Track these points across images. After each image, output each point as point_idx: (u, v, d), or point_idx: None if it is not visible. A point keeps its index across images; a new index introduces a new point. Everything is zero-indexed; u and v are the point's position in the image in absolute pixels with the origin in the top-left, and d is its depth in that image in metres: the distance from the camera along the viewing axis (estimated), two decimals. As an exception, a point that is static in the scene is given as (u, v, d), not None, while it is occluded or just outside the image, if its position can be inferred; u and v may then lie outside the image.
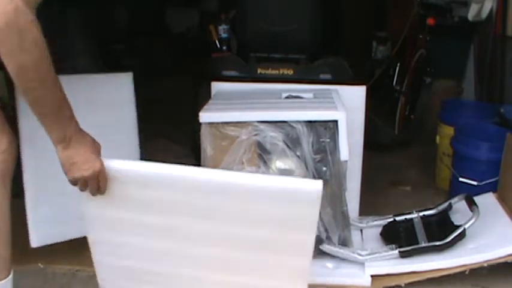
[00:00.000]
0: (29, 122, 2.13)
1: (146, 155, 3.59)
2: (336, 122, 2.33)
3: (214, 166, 2.34)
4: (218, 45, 3.35)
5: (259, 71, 2.79)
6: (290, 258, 1.92)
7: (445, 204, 2.70)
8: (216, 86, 2.70)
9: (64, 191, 1.89)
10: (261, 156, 2.33)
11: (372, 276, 2.37)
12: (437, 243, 2.41)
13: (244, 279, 1.98)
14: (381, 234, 2.62)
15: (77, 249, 2.59)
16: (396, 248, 2.42)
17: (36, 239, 2.46)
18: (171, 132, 4.06)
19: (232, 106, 2.45)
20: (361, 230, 2.70)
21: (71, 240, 2.65)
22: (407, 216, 2.67)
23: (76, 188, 1.80)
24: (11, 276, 2.13)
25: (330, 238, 2.41)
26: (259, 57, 2.82)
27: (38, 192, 2.42)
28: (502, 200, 2.73)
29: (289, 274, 1.96)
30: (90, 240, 2.04)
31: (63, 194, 2.00)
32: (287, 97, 2.61)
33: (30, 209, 2.42)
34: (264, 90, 2.70)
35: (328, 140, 2.32)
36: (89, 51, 3.99)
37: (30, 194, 2.41)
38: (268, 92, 2.66)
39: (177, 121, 3.77)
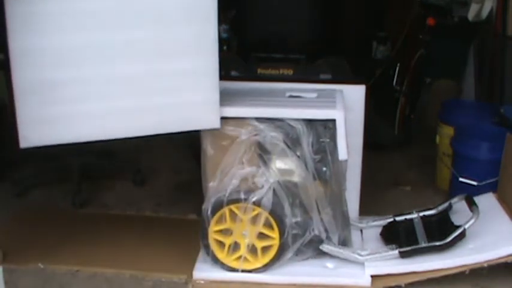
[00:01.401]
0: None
1: (144, 156, 3.61)
2: (334, 121, 2.33)
3: (215, 166, 2.34)
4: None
5: (259, 71, 2.79)
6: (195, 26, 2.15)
7: (445, 204, 2.69)
8: (219, 85, 2.70)
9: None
10: (261, 156, 2.33)
11: (372, 276, 2.37)
12: (438, 243, 2.41)
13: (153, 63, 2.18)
14: (381, 234, 2.62)
15: (77, 249, 2.60)
16: (396, 248, 2.42)
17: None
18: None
19: (232, 103, 2.45)
20: (361, 230, 2.70)
21: (71, 240, 2.66)
22: (407, 216, 2.67)
23: None
24: None
25: (330, 238, 2.42)
26: (259, 57, 2.82)
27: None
28: (502, 200, 2.73)
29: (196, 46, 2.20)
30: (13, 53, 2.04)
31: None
32: (290, 96, 2.61)
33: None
34: (268, 89, 2.70)
35: (328, 140, 2.32)
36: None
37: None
38: (272, 91, 2.65)
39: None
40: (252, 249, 2.39)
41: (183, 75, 2.24)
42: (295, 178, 2.34)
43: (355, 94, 2.65)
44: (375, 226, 2.69)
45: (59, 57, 2.10)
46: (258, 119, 2.34)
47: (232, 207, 2.34)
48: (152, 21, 2.17)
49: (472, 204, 2.54)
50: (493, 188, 2.85)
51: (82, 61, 2.13)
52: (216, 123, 2.31)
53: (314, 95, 2.61)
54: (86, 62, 2.14)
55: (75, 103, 2.16)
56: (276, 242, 2.37)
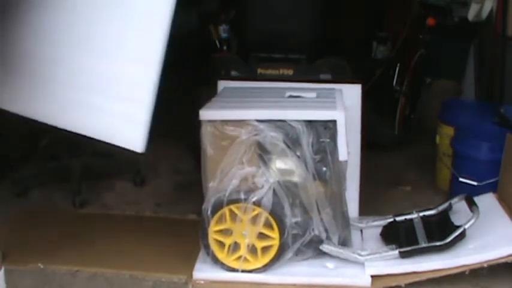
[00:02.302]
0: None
1: (144, 156, 3.59)
2: (335, 121, 2.33)
3: (215, 166, 2.34)
4: (218, 45, 3.35)
5: (259, 71, 2.80)
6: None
7: (445, 205, 2.69)
8: (222, 84, 2.70)
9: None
10: (261, 156, 2.33)
11: (372, 276, 2.37)
12: (438, 243, 2.41)
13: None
14: (381, 234, 2.62)
15: (77, 249, 2.60)
16: (396, 248, 2.42)
17: None
18: (170, 131, 4.06)
19: (233, 104, 2.45)
20: (361, 230, 2.70)
21: (71, 240, 2.66)
22: (407, 217, 2.67)
23: None
24: None
25: (330, 238, 2.42)
26: (259, 57, 2.83)
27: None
28: (502, 200, 2.73)
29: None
30: None
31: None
32: (290, 96, 2.61)
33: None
34: (269, 88, 2.70)
35: (328, 140, 2.32)
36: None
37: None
38: (272, 91, 2.66)
39: (176, 121, 3.77)
40: (252, 249, 2.39)
41: (118, 80, 2.15)
42: (295, 178, 2.34)
43: (351, 93, 2.65)
44: (375, 226, 2.69)
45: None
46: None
47: (232, 207, 2.34)
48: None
49: (472, 204, 2.54)
50: (493, 188, 2.85)
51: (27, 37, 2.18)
52: (138, 147, 2.13)
53: (314, 95, 2.61)
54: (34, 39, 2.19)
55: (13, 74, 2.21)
56: (276, 242, 2.37)
